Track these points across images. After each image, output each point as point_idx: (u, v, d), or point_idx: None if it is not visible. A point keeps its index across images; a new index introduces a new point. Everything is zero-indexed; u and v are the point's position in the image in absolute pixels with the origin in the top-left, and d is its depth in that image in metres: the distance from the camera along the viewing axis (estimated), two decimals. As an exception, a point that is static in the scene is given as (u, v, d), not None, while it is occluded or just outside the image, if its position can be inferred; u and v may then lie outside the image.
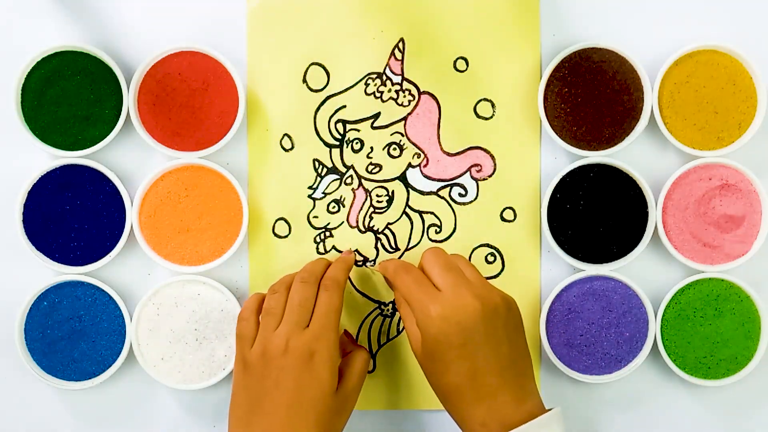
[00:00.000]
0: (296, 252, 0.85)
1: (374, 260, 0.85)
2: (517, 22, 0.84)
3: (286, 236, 0.85)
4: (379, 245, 0.85)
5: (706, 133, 0.83)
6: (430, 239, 0.85)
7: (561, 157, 0.85)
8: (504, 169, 0.85)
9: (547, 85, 0.83)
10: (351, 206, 0.85)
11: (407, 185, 0.85)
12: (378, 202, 0.85)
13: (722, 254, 0.83)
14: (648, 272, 0.84)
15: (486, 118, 0.85)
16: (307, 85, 0.85)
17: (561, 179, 0.82)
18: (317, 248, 0.85)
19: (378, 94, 0.84)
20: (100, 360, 0.84)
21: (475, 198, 0.85)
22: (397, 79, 0.84)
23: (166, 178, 0.84)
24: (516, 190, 0.85)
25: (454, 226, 0.85)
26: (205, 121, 0.83)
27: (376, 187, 0.85)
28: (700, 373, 0.83)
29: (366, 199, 0.85)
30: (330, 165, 0.85)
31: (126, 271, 0.85)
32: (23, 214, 0.83)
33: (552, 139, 0.82)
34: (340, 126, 0.85)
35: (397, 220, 0.85)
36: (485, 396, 0.72)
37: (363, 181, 0.85)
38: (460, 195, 0.85)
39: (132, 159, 0.85)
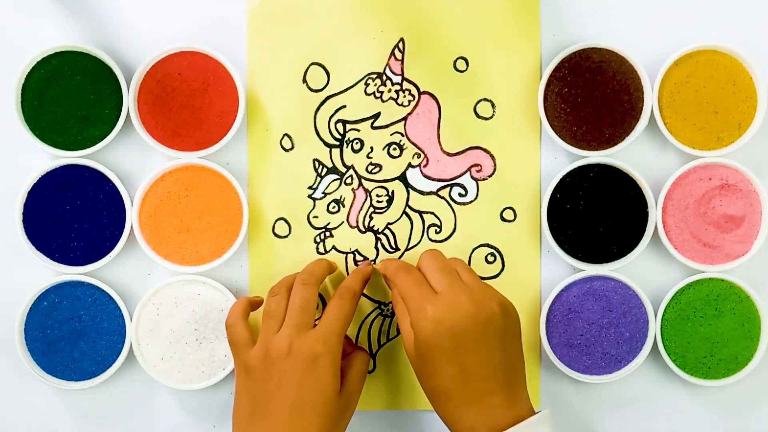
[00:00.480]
0: (296, 252, 0.85)
1: (374, 260, 0.85)
2: (517, 22, 0.84)
3: (286, 236, 0.85)
4: (379, 245, 0.85)
5: (706, 133, 0.83)
6: (430, 239, 0.85)
7: (561, 157, 0.85)
8: (504, 169, 0.85)
9: (547, 85, 0.82)
10: (351, 206, 0.85)
11: (407, 185, 0.85)
12: (378, 202, 0.85)
13: (722, 254, 0.83)
14: (648, 272, 0.84)
15: (486, 118, 0.85)
16: (307, 85, 0.85)
17: (561, 179, 0.82)
18: (317, 248, 0.85)
19: (378, 94, 0.84)
20: (100, 360, 0.84)
21: (475, 198, 0.85)
22: (397, 79, 0.84)
23: (166, 178, 0.84)
24: (516, 190, 0.85)
25: (454, 226, 0.85)
26: (205, 121, 0.83)
27: (376, 187, 0.85)
28: (700, 373, 0.83)
29: (366, 199, 0.85)
30: (330, 165, 0.85)
31: (126, 271, 0.85)
32: (23, 214, 0.83)
33: (552, 139, 0.82)
34: (340, 126, 0.85)
35: (397, 220, 0.85)
36: (474, 400, 0.71)
37: (363, 181, 0.85)
38: (460, 195, 0.85)
39: (132, 159, 0.85)
